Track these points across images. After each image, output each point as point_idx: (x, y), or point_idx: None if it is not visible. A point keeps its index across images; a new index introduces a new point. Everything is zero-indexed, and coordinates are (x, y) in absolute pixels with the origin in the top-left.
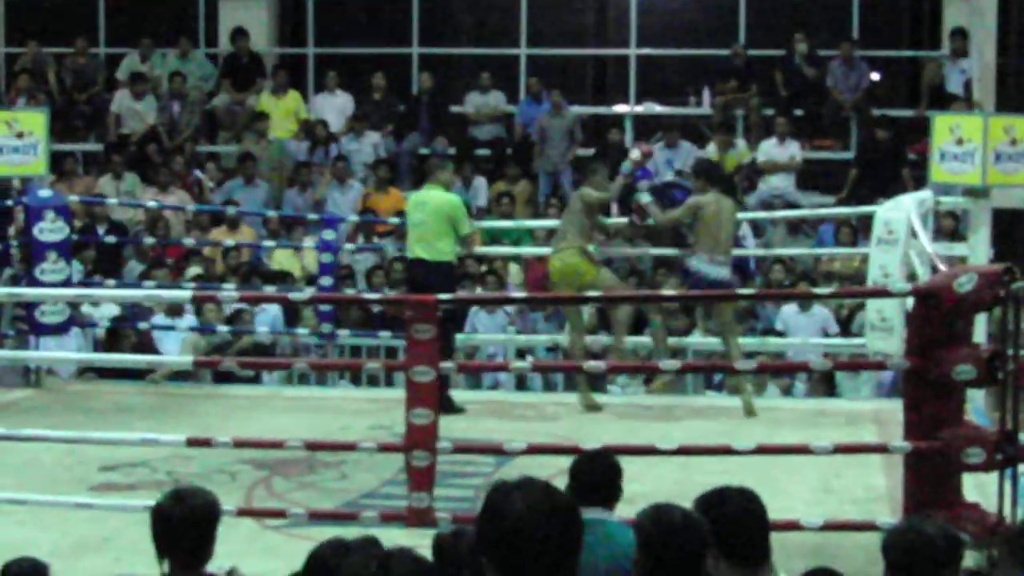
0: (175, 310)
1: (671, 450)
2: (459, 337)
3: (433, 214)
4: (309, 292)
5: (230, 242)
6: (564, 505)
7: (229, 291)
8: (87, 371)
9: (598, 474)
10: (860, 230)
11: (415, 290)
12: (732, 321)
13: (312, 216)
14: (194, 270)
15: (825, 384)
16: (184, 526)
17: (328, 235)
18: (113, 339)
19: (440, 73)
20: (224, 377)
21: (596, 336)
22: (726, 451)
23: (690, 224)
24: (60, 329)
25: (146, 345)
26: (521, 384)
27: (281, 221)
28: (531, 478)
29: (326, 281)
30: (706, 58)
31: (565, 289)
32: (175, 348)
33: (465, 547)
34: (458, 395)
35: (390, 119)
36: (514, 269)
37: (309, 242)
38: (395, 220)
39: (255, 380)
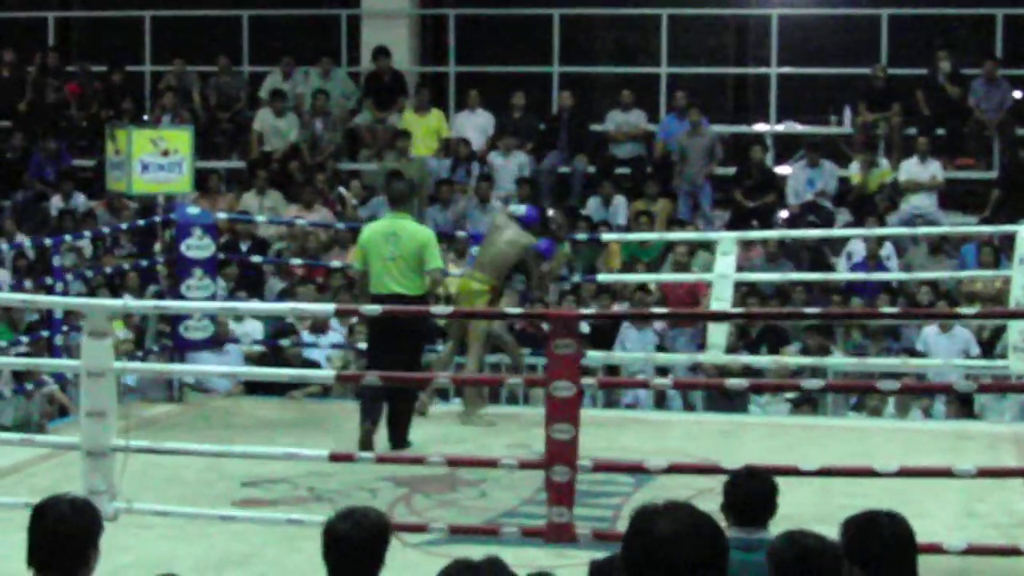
0: (319, 327)
1: (813, 471)
2: (598, 356)
3: (408, 247)
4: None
5: None
6: (710, 528)
7: (372, 307)
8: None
9: (758, 493)
10: (1003, 250)
11: (390, 327)
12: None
13: (460, 234)
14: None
15: (963, 406)
16: (355, 545)
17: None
18: (273, 356)
19: (580, 92)
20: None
21: (735, 356)
22: (868, 473)
23: None
24: (205, 345)
25: (304, 363)
26: (660, 402)
27: None
28: (677, 501)
29: None
30: (847, 77)
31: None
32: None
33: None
34: (596, 412)
35: (530, 137)
36: (652, 287)
37: (451, 261)
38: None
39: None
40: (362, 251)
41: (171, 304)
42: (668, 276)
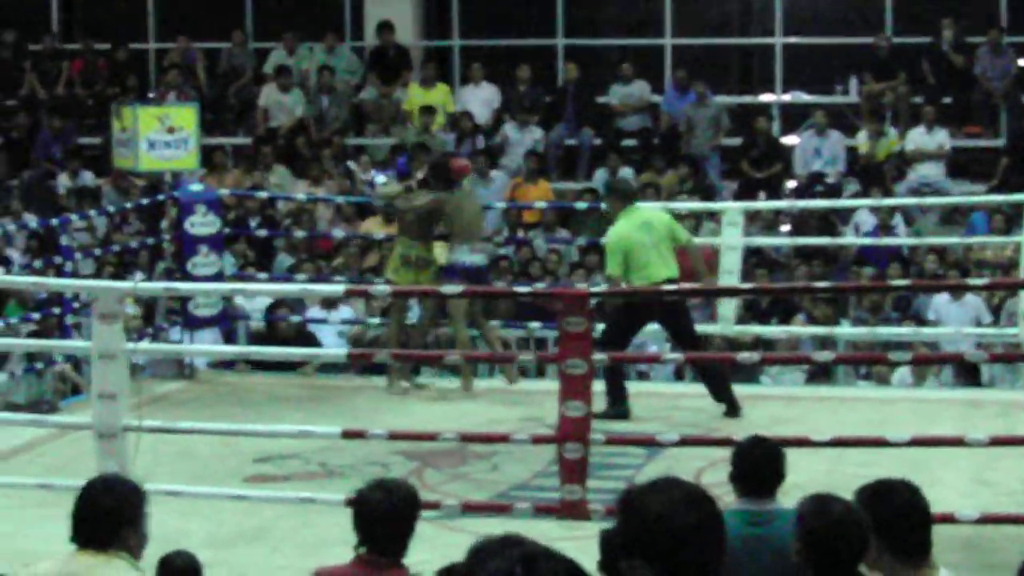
0: (330, 303)
1: (825, 441)
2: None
3: (664, 232)
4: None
5: (380, 234)
6: (702, 499)
7: (381, 286)
8: (233, 363)
9: (765, 461)
10: (1012, 218)
11: (673, 312)
12: (468, 312)
13: None
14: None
15: (969, 375)
16: (388, 514)
17: None
18: (270, 330)
19: (585, 64)
20: (378, 369)
21: (744, 327)
22: (880, 443)
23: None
24: (213, 322)
25: (306, 337)
26: (672, 373)
27: None
28: (666, 477)
29: None
30: (852, 46)
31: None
32: (329, 340)
33: None
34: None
35: (536, 110)
36: None
37: None
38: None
39: (414, 372)
40: (623, 253)
41: (180, 285)
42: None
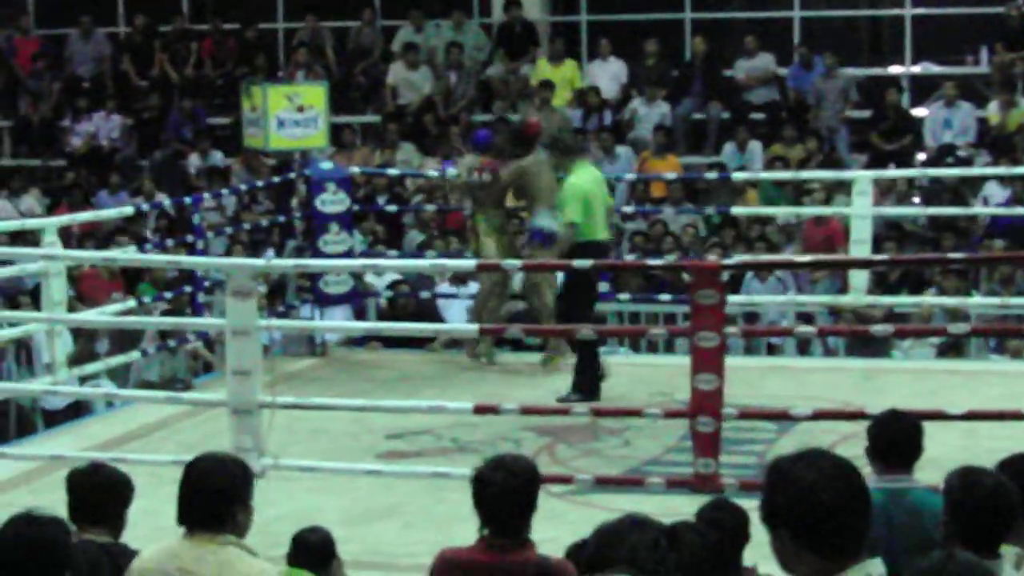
0: (460, 278)
1: (960, 415)
2: (737, 300)
3: (605, 192)
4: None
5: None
6: (850, 471)
7: (512, 260)
8: (370, 339)
9: (903, 435)
10: None
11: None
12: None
13: None
14: None
15: None
16: (509, 492)
17: None
18: (392, 307)
19: (713, 37)
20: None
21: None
22: (1016, 416)
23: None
24: (344, 299)
25: (427, 313)
26: (802, 348)
27: None
28: (813, 448)
29: None
30: (983, 16)
31: None
32: (458, 316)
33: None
34: (737, 360)
35: (663, 84)
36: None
37: None
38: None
39: (541, 348)
40: (583, 202)
41: (311, 262)
42: (802, 209)
